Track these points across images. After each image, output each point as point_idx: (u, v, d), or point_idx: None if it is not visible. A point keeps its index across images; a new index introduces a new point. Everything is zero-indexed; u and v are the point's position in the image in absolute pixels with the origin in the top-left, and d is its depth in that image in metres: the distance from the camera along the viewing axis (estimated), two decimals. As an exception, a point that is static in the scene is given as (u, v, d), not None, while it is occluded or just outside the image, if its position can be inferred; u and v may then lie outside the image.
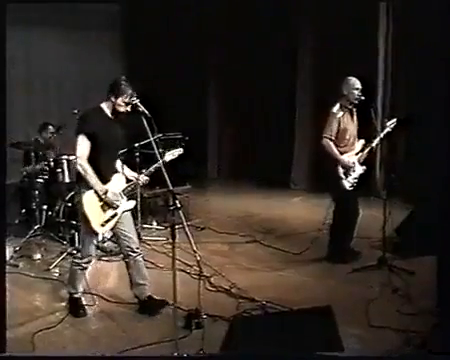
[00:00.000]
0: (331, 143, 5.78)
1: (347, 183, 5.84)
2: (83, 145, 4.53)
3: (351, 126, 5.91)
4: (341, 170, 5.81)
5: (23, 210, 7.20)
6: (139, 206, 6.67)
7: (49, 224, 6.87)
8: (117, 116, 4.62)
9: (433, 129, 4.37)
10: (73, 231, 6.49)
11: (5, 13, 3.82)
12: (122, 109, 4.57)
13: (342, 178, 5.81)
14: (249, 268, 6.00)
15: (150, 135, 4.25)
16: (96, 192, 4.55)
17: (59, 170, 6.81)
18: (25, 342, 4.32)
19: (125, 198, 4.73)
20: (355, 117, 5.97)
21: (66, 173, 6.79)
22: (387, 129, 5.94)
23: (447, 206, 3.93)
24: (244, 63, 10.11)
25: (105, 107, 4.63)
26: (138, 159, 6.67)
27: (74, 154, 6.37)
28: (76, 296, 4.89)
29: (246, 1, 9.46)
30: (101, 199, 4.57)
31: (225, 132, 11.17)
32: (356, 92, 5.78)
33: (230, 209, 8.49)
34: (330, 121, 5.80)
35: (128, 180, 4.82)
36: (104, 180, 4.60)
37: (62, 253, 6.19)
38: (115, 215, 4.66)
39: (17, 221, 7.18)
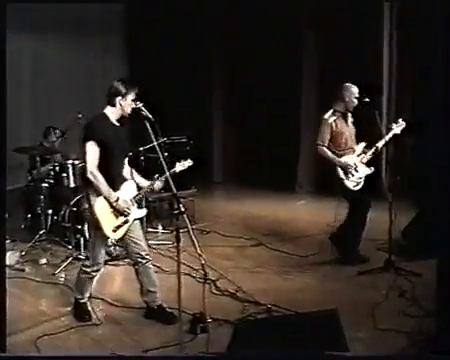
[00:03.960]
0: (325, 148, 5.92)
1: (350, 183, 5.89)
2: (92, 153, 4.46)
3: (346, 129, 6.00)
4: (341, 171, 5.89)
5: (29, 215, 7.21)
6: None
7: (54, 229, 6.88)
8: (121, 121, 4.59)
9: (438, 131, 4.33)
10: (78, 236, 6.49)
11: (5, 13, 3.80)
12: (129, 110, 4.48)
13: (343, 179, 5.88)
14: (254, 271, 5.98)
15: (154, 139, 4.25)
16: (107, 199, 4.52)
17: (64, 174, 6.78)
18: (30, 346, 4.30)
19: (136, 205, 4.70)
20: (349, 120, 6.06)
21: (71, 178, 6.76)
22: (394, 131, 6.00)
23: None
24: (249, 65, 10.09)
25: (109, 113, 4.57)
26: (143, 163, 6.64)
27: (79, 159, 6.55)
28: (82, 301, 4.88)
29: (250, 1, 9.43)
30: (112, 205, 4.55)
31: (230, 135, 11.16)
32: (356, 100, 5.94)
33: (235, 212, 8.47)
34: (322, 128, 5.96)
35: (138, 187, 4.76)
36: (114, 187, 4.56)
37: (68, 258, 6.20)
38: (127, 221, 4.63)
39: (23, 226, 7.21)
